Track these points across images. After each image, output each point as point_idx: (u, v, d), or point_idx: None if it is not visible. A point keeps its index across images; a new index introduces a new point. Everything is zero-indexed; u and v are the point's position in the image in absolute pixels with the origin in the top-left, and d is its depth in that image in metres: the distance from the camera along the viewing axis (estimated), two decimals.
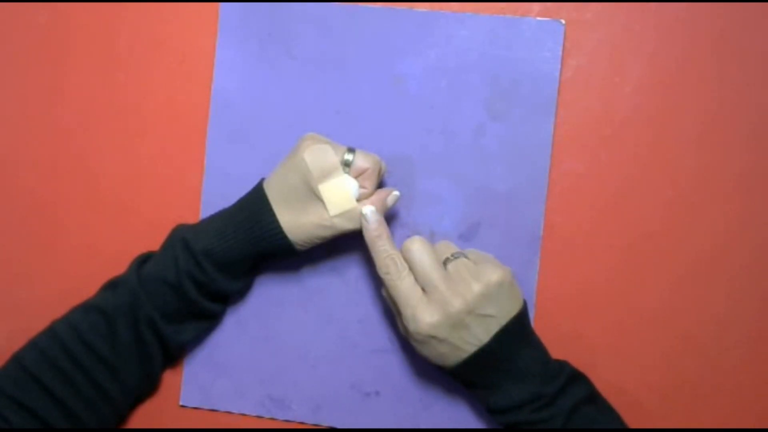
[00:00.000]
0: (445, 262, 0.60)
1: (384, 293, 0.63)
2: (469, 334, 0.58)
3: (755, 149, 0.65)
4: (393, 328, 0.67)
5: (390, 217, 0.67)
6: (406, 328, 0.60)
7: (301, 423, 0.68)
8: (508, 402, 0.60)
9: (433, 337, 0.59)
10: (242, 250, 0.62)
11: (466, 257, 0.61)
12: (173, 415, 0.69)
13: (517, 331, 0.60)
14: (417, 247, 0.60)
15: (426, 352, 0.60)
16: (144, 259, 0.65)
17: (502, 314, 0.59)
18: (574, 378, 0.61)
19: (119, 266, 0.65)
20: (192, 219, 0.68)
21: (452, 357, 0.59)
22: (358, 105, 0.68)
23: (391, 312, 0.65)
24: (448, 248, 0.62)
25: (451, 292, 0.58)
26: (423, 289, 0.59)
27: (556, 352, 0.63)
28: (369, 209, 0.61)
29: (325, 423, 0.68)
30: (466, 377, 0.61)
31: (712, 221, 0.65)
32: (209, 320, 0.67)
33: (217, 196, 0.68)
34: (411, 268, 0.60)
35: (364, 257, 0.67)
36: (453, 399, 0.66)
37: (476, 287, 0.58)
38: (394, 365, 0.67)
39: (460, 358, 0.59)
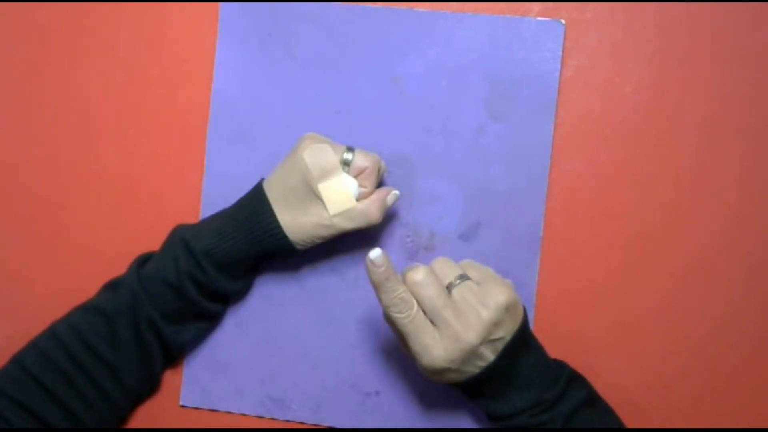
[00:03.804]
0: (449, 287, 0.59)
1: (386, 320, 0.60)
2: (480, 359, 0.58)
3: (755, 149, 0.65)
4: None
5: (390, 217, 0.67)
6: (416, 360, 0.59)
7: (301, 423, 0.68)
8: (510, 409, 0.59)
9: (447, 369, 0.58)
10: (242, 250, 0.62)
11: (468, 278, 0.59)
12: (173, 415, 0.69)
13: (520, 343, 0.59)
14: (422, 280, 0.58)
15: (436, 379, 0.60)
16: (144, 260, 0.65)
17: (508, 333, 0.58)
18: (573, 380, 0.61)
19: (119, 266, 0.65)
20: (192, 219, 0.68)
21: (460, 378, 0.59)
22: (358, 105, 0.68)
23: None
24: (447, 268, 0.60)
25: (463, 325, 0.57)
26: (432, 322, 0.58)
27: (556, 352, 0.63)
28: (376, 252, 0.58)
29: (325, 423, 0.68)
30: (470, 390, 0.61)
31: (712, 221, 0.65)
32: (209, 320, 0.67)
33: (217, 196, 0.68)
34: (418, 302, 0.58)
35: (364, 257, 0.67)
36: (453, 399, 0.66)
37: (485, 314, 0.57)
38: (394, 365, 0.67)
39: (466, 378, 0.59)
